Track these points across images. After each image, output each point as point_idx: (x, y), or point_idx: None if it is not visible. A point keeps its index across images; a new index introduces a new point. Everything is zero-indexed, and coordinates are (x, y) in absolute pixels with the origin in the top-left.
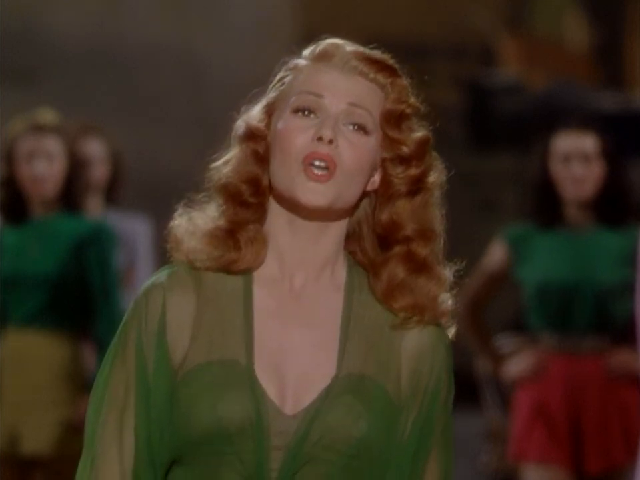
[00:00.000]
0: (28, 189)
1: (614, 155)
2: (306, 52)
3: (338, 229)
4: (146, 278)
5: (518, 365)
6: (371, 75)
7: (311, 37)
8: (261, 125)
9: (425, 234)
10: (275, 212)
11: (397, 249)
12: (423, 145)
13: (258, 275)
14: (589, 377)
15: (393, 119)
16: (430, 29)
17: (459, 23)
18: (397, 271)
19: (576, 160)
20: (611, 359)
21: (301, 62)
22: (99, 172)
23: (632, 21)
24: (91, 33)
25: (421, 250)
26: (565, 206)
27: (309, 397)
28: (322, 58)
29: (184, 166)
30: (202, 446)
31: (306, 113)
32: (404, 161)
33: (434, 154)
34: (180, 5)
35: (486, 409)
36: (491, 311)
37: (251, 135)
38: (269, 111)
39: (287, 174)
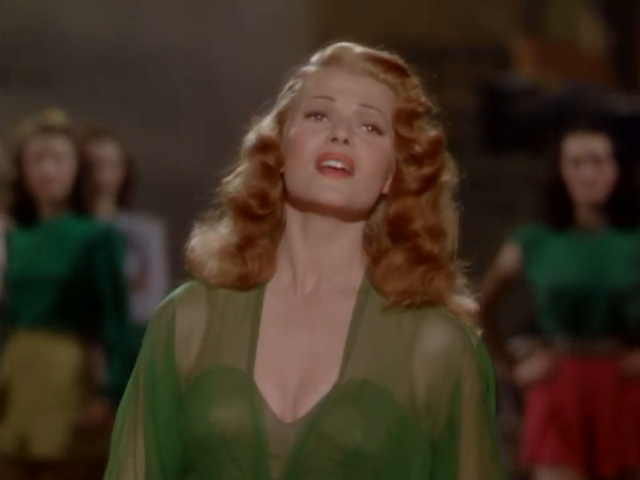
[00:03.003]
0: (36, 189)
1: (624, 157)
2: (314, 58)
3: (352, 231)
4: (158, 281)
5: (531, 367)
6: (381, 76)
7: (326, 35)
8: (273, 134)
9: (434, 231)
10: (290, 222)
11: (404, 242)
12: (435, 143)
13: (271, 286)
14: (602, 379)
15: (404, 118)
16: (444, 31)
17: (473, 24)
18: (396, 257)
19: (586, 162)
20: (624, 361)
21: (310, 68)
22: (111, 175)
23: None
24: (105, 35)
25: (428, 245)
26: (576, 208)
27: (309, 404)
28: (331, 62)
29: (200, 168)
30: (201, 453)
31: (318, 117)
32: (417, 159)
33: (447, 155)
34: (195, 7)
35: (500, 412)
36: (504, 314)
37: (262, 146)
38: (281, 120)
39: (302, 176)
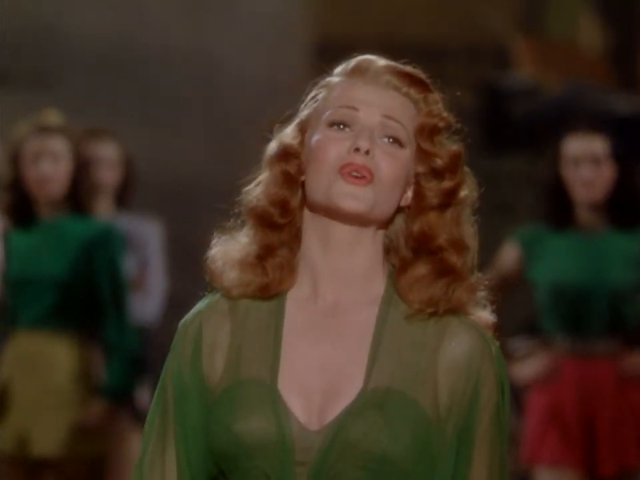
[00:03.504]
0: (34, 189)
1: (624, 157)
2: (338, 69)
3: (371, 243)
4: (157, 281)
5: (531, 367)
6: (404, 89)
7: (326, 37)
8: (295, 142)
9: (458, 245)
10: (308, 232)
11: (428, 255)
12: (456, 158)
13: (291, 296)
14: (602, 379)
15: (426, 132)
16: (444, 31)
17: (473, 24)
18: (420, 268)
19: (586, 163)
20: (624, 361)
21: (334, 79)
22: (111, 175)
23: None
24: (105, 35)
25: (452, 258)
26: (576, 208)
27: (334, 412)
28: (355, 73)
29: (200, 168)
30: (228, 463)
31: (341, 126)
32: (438, 174)
33: (467, 170)
34: (195, 7)
35: None
36: (504, 314)
37: (284, 154)
38: (303, 129)
39: (323, 182)
